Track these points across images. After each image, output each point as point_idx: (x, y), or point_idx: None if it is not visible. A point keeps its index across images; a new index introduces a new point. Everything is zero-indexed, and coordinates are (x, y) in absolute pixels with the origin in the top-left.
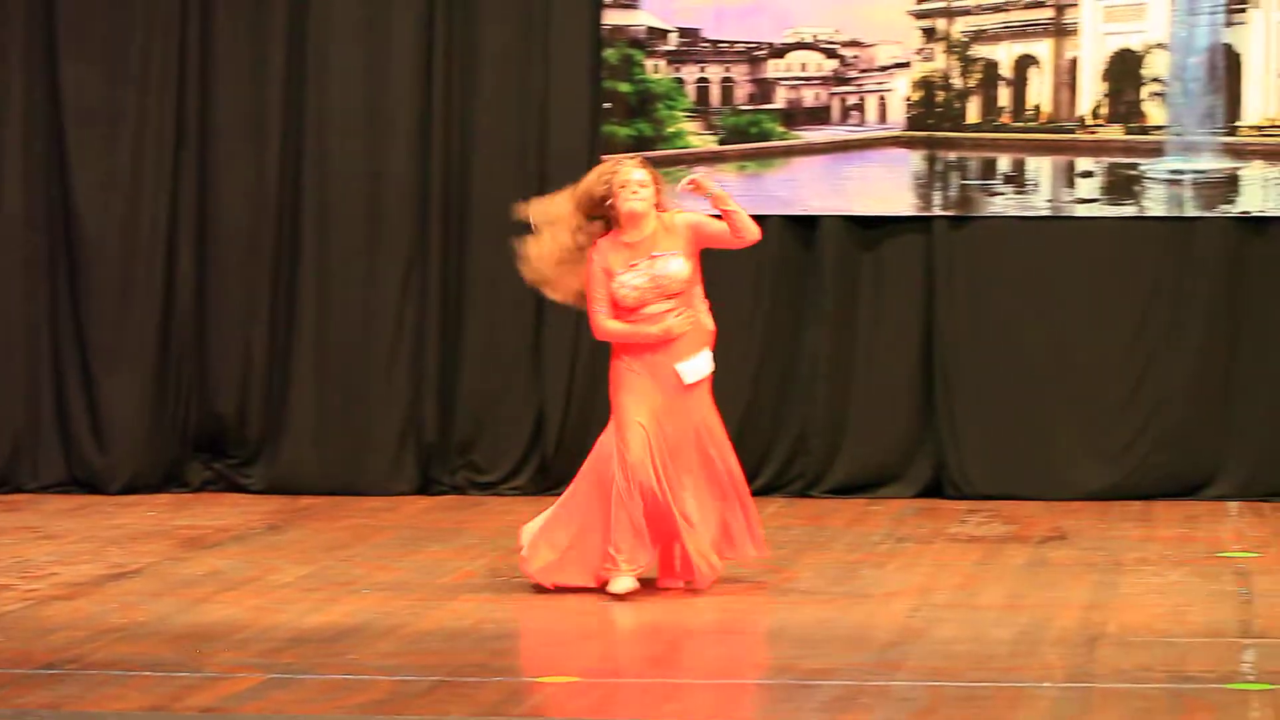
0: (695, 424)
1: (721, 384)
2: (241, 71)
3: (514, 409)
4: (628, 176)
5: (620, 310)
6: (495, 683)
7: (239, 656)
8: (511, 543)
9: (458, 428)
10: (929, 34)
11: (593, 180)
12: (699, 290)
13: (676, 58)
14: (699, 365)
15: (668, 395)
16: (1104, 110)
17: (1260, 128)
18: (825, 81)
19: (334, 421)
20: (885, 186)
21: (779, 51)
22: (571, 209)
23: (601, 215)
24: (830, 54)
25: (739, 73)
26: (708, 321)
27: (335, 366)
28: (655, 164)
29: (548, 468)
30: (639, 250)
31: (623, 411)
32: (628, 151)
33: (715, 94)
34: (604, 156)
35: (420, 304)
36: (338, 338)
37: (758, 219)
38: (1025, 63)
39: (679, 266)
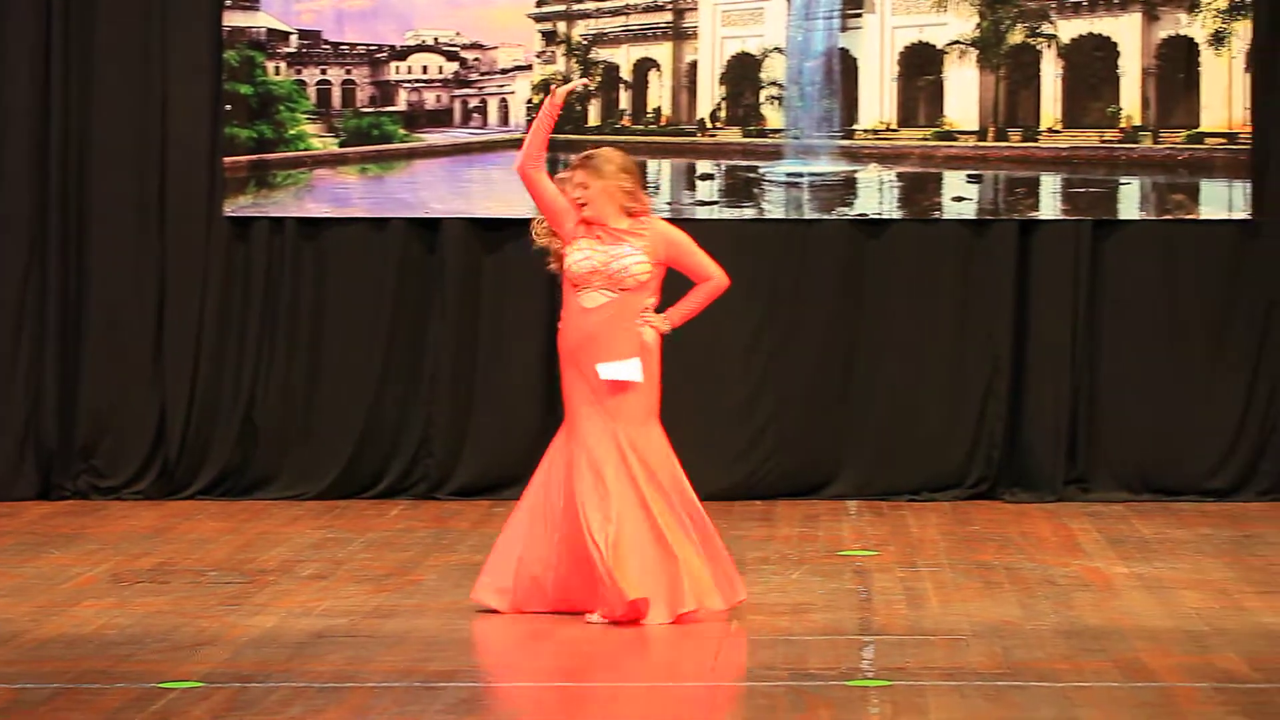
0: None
1: (345, 386)
2: None
3: (136, 412)
4: (568, 175)
5: (566, 282)
6: (117, 689)
7: None
8: (135, 547)
9: (79, 432)
10: (549, 37)
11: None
12: (650, 301)
13: (297, 60)
14: (620, 368)
15: (588, 399)
16: (723, 113)
17: (875, 131)
18: (446, 84)
19: None
20: (507, 189)
21: (400, 54)
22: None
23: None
24: (451, 56)
25: (360, 75)
26: (647, 335)
27: None
28: (275, 165)
29: (171, 471)
30: (605, 236)
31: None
32: (249, 154)
33: (337, 96)
34: (224, 159)
35: (39, 305)
36: None
37: (380, 222)
38: (645, 66)
39: (637, 264)
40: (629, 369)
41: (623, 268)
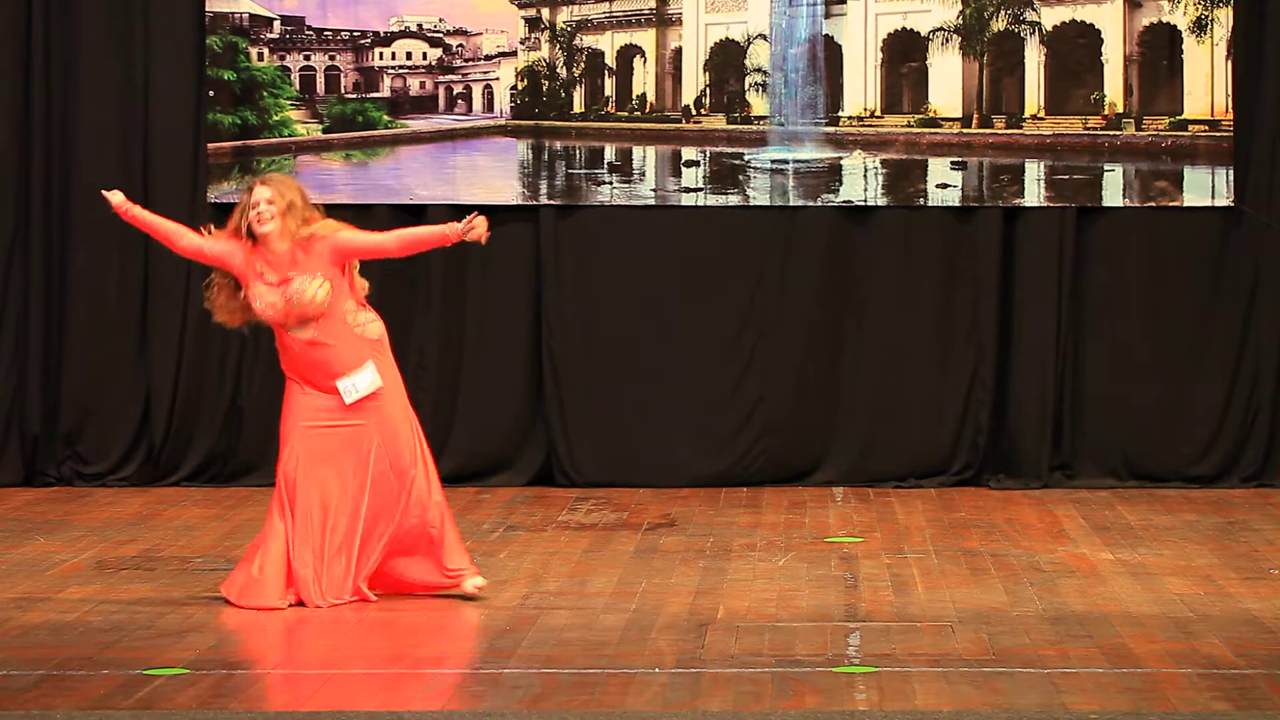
0: (368, 444)
1: None
2: None
3: (120, 399)
4: (257, 197)
5: (273, 325)
6: (103, 675)
7: None
8: (120, 534)
9: (63, 418)
10: (533, 23)
11: (240, 203)
12: (351, 304)
13: (281, 46)
14: (358, 381)
15: (329, 411)
16: (708, 100)
17: (860, 118)
18: (431, 70)
19: None
20: (492, 175)
21: (384, 40)
22: (228, 236)
23: (253, 237)
24: (435, 43)
25: (344, 61)
26: (370, 330)
27: None
28: (258, 151)
29: (156, 458)
30: (276, 266)
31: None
32: (233, 140)
33: (320, 82)
34: (208, 145)
35: (23, 293)
36: None
37: (365, 208)
38: (630, 52)
39: (314, 290)
40: (367, 377)
41: (302, 300)
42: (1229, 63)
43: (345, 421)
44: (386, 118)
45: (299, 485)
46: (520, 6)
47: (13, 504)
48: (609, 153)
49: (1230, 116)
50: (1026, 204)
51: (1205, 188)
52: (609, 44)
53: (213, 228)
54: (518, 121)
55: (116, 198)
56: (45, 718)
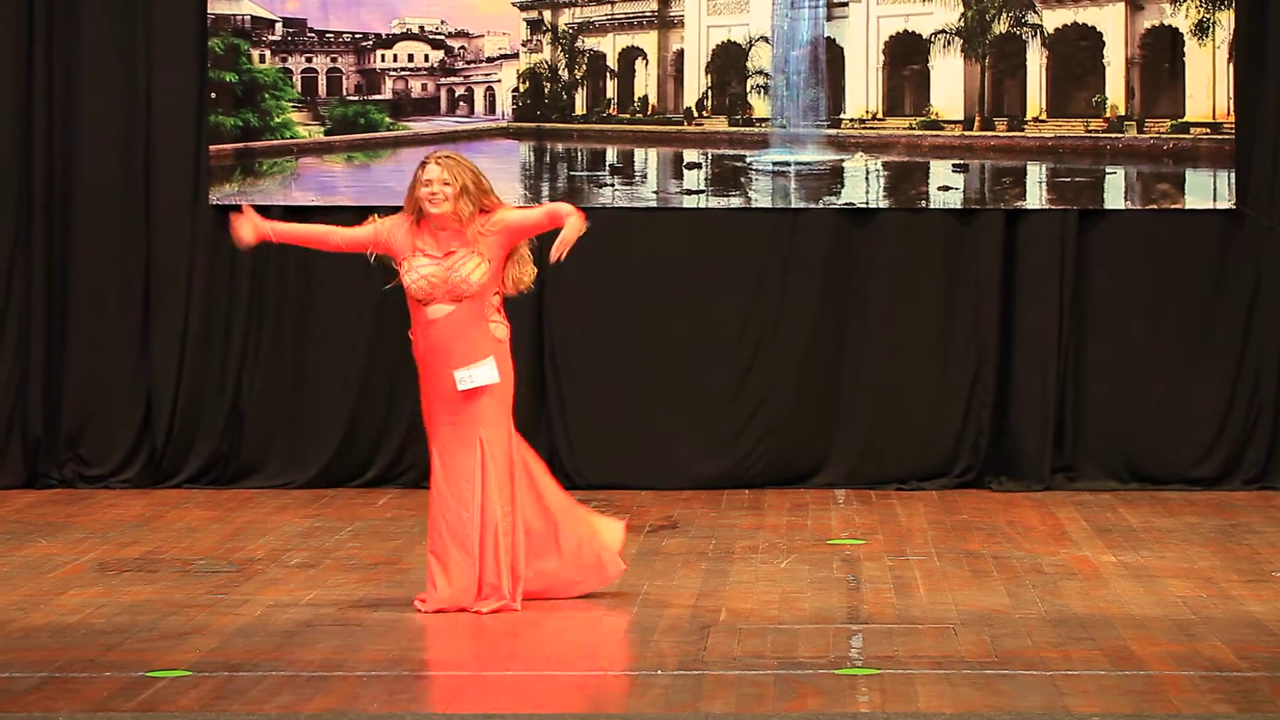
0: (476, 436)
1: (332, 374)
2: None
3: (122, 401)
4: (430, 175)
5: (410, 302)
6: (105, 678)
7: None
8: (122, 536)
9: (65, 420)
10: (535, 26)
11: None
12: (496, 299)
13: (283, 48)
14: (476, 373)
15: (445, 400)
16: (710, 102)
17: (861, 120)
18: (433, 72)
19: None
20: (494, 177)
21: (386, 42)
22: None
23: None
24: (437, 45)
25: (346, 63)
26: (498, 330)
27: None
28: (260, 154)
29: (158, 460)
30: (441, 242)
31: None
32: (234, 141)
33: (322, 84)
34: (210, 147)
35: (25, 295)
36: None
37: (367, 210)
38: (631, 55)
39: (473, 269)
40: (484, 371)
41: (460, 278)
42: (1230, 65)
43: (459, 416)
44: (388, 120)
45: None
46: (522, 9)
47: (14, 506)
48: (611, 155)
49: (1232, 119)
50: (1028, 206)
51: (1207, 190)
52: (611, 46)
53: (377, 216)
54: (519, 124)
55: (246, 230)
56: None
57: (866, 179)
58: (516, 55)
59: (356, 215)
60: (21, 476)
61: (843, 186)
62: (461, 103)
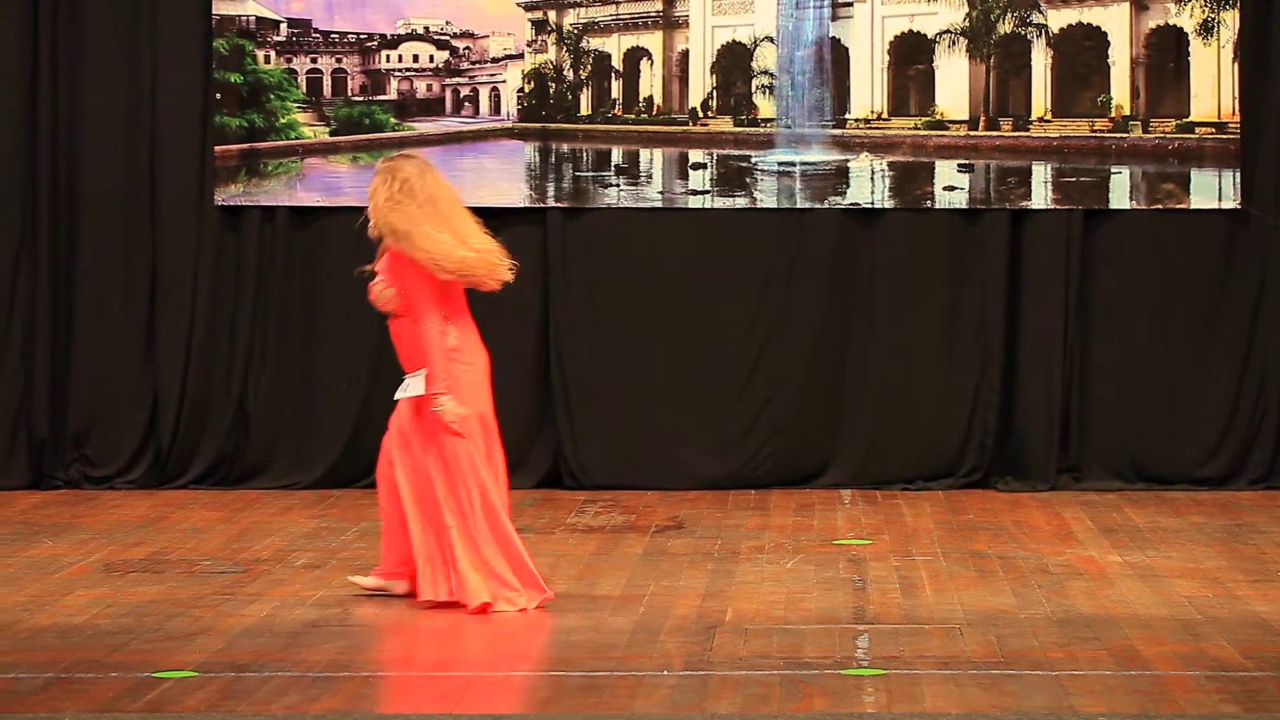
0: (425, 447)
1: (337, 374)
2: None
3: (127, 402)
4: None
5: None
6: (111, 678)
7: None
8: (128, 536)
9: (70, 421)
10: (540, 26)
11: None
12: (430, 313)
13: (288, 48)
14: (410, 384)
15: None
16: (715, 102)
17: (867, 120)
18: (437, 73)
19: None
20: (499, 178)
21: (391, 43)
22: None
23: None
24: (442, 45)
25: (351, 64)
26: (432, 344)
27: None
28: (265, 154)
29: (163, 461)
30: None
31: None
32: (240, 143)
33: (327, 85)
34: (215, 148)
35: (30, 295)
36: None
37: None
38: (636, 55)
39: (383, 291)
40: (414, 384)
41: (378, 296)
42: (1235, 65)
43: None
44: (393, 120)
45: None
46: (526, 9)
47: (20, 507)
48: (616, 155)
49: (1237, 119)
50: (1033, 206)
51: (1212, 190)
52: (616, 46)
53: None
54: (525, 124)
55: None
56: None
57: (872, 179)
58: (521, 56)
59: (361, 216)
60: (27, 477)
61: (848, 186)
62: (466, 103)
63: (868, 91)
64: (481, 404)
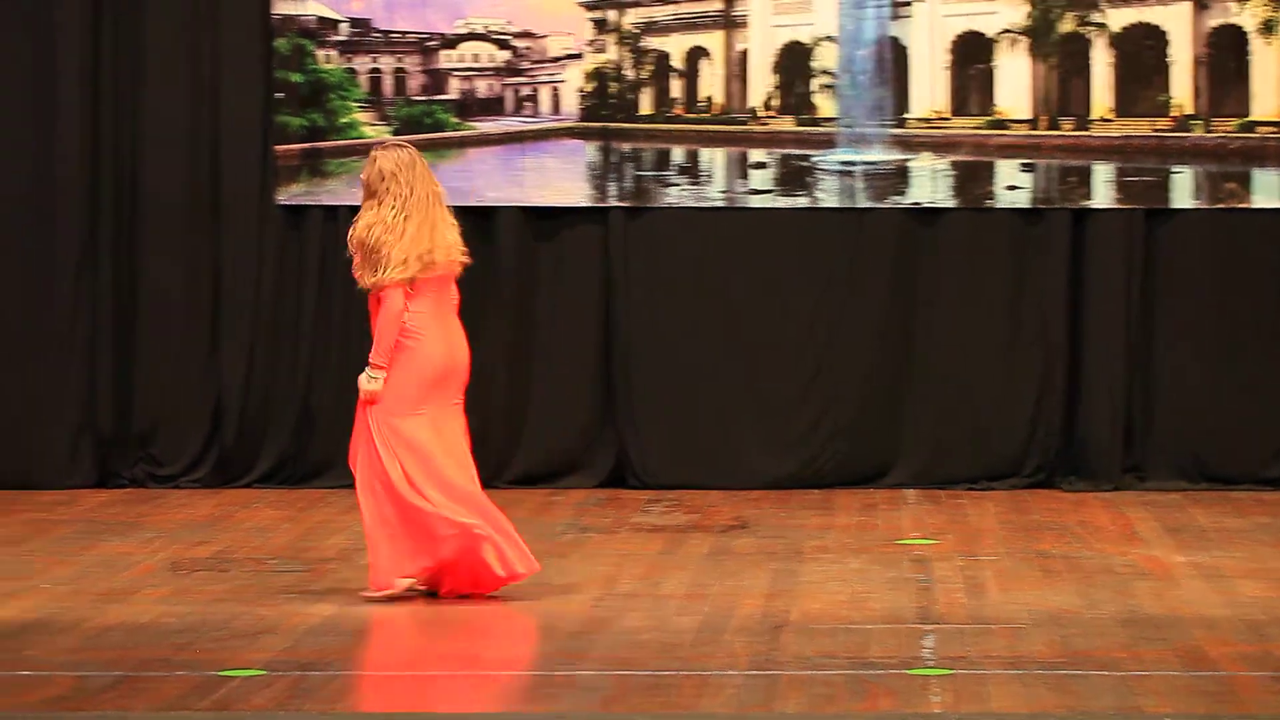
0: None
1: None
2: None
3: (192, 401)
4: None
5: None
6: (179, 677)
7: None
8: (193, 535)
9: (136, 420)
10: (600, 25)
11: None
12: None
13: (348, 48)
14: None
15: None
16: (775, 102)
17: (927, 120)
18: (498, 72)
19: (8, 413)
20: (561, 177)
21: (451, 42)
22: None
23: None
24: (502, 45)
25: (411, 63)
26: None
27: (8, 357)
28: (327, 154)
29: (228, 459)
30: None
31: None
32: (301, 142)
33: (388, 85)
34: (276, 148)
35: (94, 293)
36: (11, 328)
37: None
38: (696, 54)
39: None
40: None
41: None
42: None
43: None
44: (454, 120)
45: None
46: (587, 8)
47: (87, 505)
48: (677, 155)
49: None
50: (1095, 206)
51: (1274, 189)
52: (676, 46)
53: None
54: (585, 124)
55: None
56: (121, 718)
57: (933, 179)
58: (580, 55)
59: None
60: (93, 476)
61: (909, 186)
62: (527, 103)
63: (928, 91)
64: (434, 395)
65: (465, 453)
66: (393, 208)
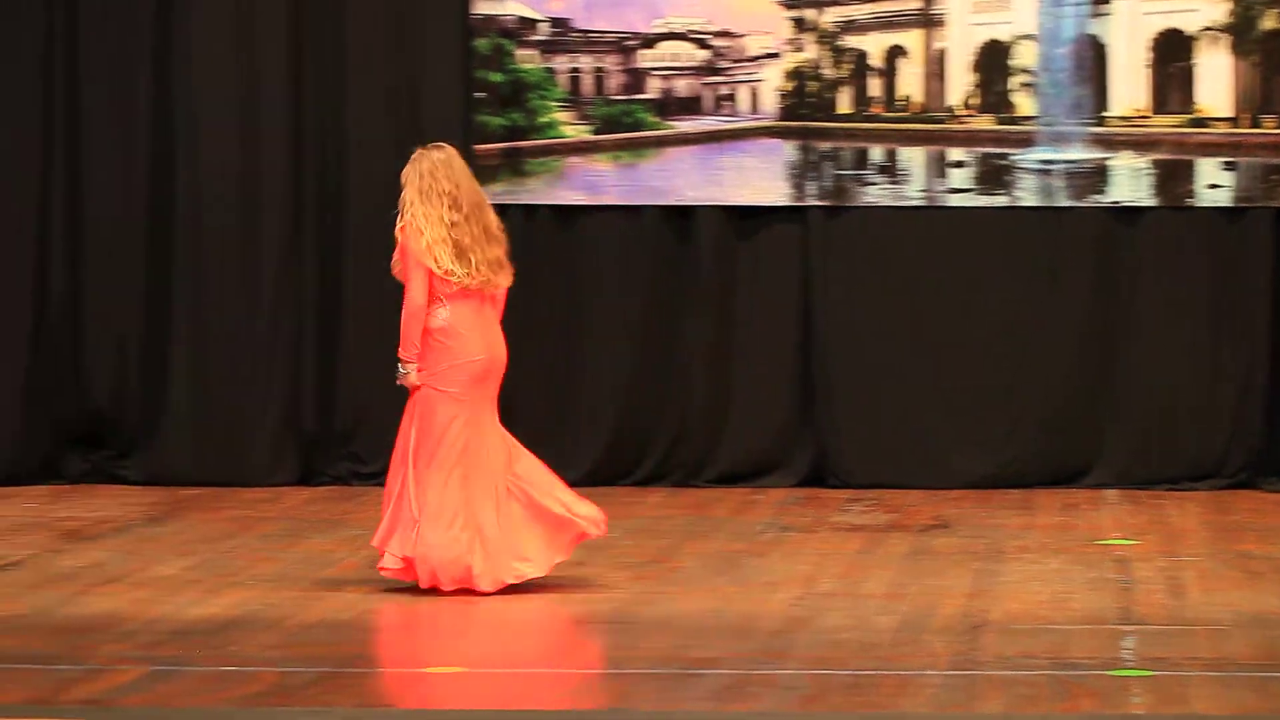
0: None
1: (603, 375)
2: (109, 63)
3: (395, 399)
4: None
5: None
6: (380, 674)
7: (122, 649)
8: None
9: (339, 418)
10: (799, 24)
11: None
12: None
13: (548, 47)
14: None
15: None
16: (974, 100)
17: (1127, 118)
18: (697, 72)
19: (213, 412)
20: (760, 176)
21: (650, 42)
22: None
23: None
24: (701, 44)
25: (611, 63)
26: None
27: (214, 356)
28: (527, 153)
29: None
30: None
31: None
32: (502, 142)
33: (588, 84)
34: (476, 147)
35: (298, 293)
36: (216, 327)
37: (633, 209)
38: (895, 53)
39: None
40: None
41: None
42: None
43: None
44: (654, 119)
45: None
46: (786, 8)
47: (290, 503)
48: (875, 154)
49: None
50: None
51: None
52: (874, 45)
53: None
54: (784, 123)
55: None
56: (324, 714)
57: (1133, 177)
58: (779, 55)
59: (624, 214)
60: (297, 473)
61: (1109, 185)
62: (725, 102)
63: (1127, 88)
64: (475, 390)
65: (499, 440)
66: (435, 204)
